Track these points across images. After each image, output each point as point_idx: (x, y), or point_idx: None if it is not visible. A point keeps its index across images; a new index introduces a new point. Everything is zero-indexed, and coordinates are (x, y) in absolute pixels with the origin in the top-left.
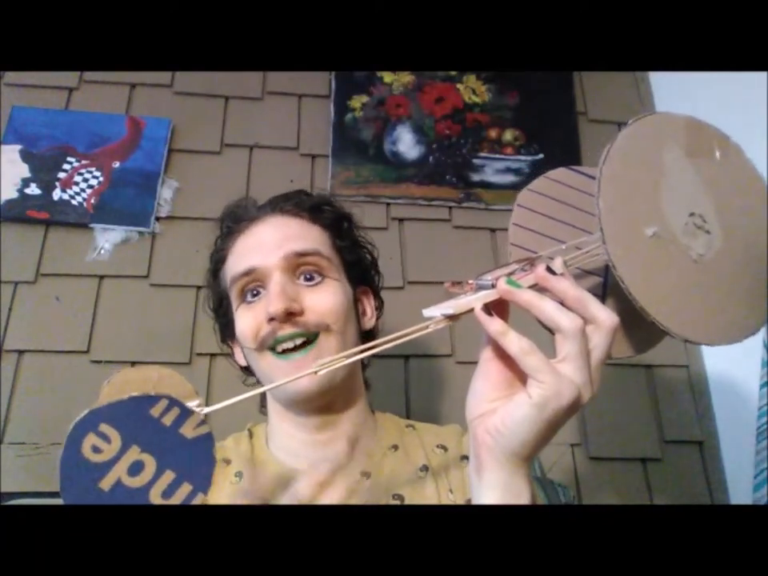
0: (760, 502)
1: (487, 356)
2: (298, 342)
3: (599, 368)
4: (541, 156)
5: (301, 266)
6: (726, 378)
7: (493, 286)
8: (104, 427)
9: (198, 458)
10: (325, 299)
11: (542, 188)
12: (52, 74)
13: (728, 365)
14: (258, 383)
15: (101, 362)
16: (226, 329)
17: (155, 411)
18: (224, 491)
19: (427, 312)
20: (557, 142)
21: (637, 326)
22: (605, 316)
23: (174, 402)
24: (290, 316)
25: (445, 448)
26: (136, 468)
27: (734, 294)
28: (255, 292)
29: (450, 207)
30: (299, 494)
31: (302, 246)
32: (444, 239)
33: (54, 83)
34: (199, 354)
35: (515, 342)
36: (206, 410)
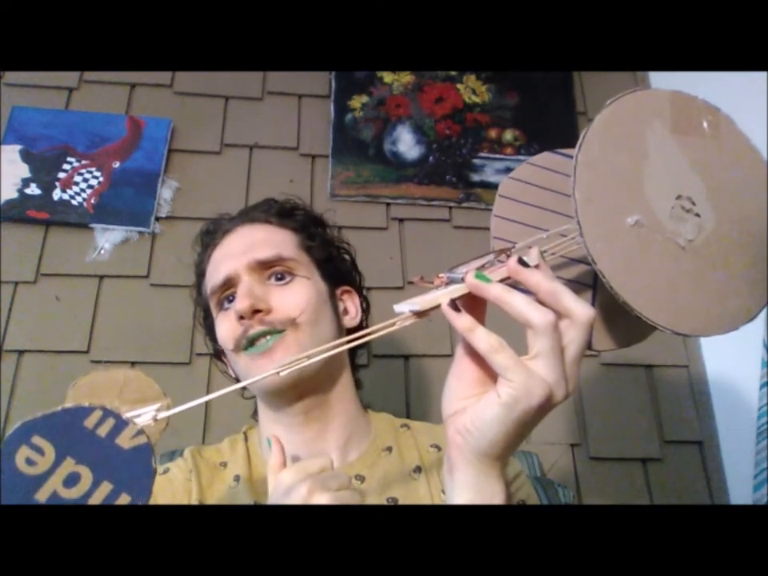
0: (760, 502)
1: (461, 353)
2: (269, 339)
3: (575, 364)
4: None
5: (269, 268)
6: (726, 378)
7: (462, 280)
8: (37, 439)
9: (135, 468)
10: (292, 296)
11: (525, 175)
12: (52, 73)
13: (728, 365)
14: (253, 397)
15: (101, 361)
16: (216, 342)
17: (89, 422)
18: (223, 494)
19: (397, 307)
20: (557, 142)
21: (625, 318)
22: (580, 309)
23: (108, 413)
24: (257, 313)
25: (438, 447)
26: (72, 480)
27: (729, 279)
28: (231, 298)
29: (450, 207)
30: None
31: (265, 254)
32: (444, 239)
33: (54, 83)
34: (199, 354)
35: (483, 339)
36: (162, 414)
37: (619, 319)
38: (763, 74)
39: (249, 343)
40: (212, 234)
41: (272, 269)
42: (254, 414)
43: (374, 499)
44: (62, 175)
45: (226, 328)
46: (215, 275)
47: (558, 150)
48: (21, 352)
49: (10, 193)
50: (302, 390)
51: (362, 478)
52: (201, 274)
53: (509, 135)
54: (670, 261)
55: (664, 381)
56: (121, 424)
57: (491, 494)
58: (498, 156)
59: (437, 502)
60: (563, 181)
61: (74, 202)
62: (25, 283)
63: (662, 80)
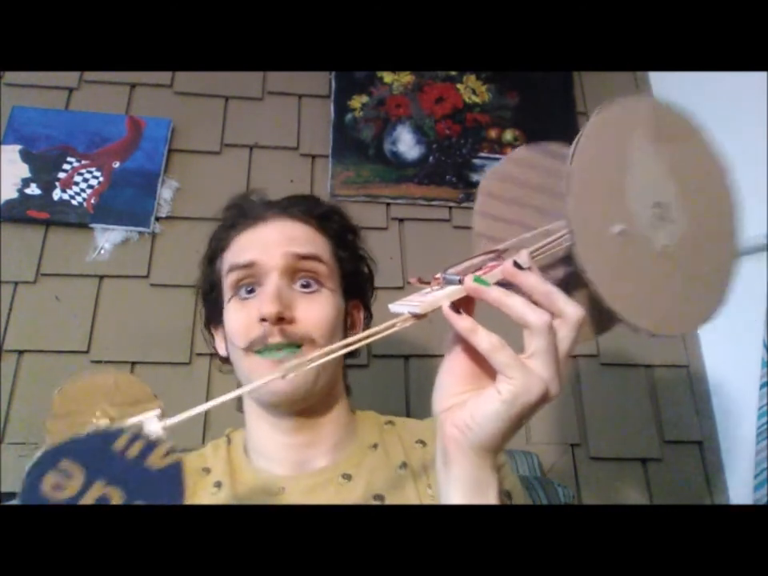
0: (760, 502)
1: (453, 351)
2: (285, 351)
3: (565, 360)
4: None
5: (299, 272)
6: (726, 378)
7: (460, 282)
8: (65, 463)
9: (167, 487)
10: (316, 311)
11: (505, 172)
12: (52, 73)
13: (728, 365)
14: (237, 383)
15: (101, 361)
16: (213, 315)
17: (118, 445)
18: (203, 501)
19: (393, 307)
20: (557, 142)
21: (597, 311)
22: (571, 310)
23: (137, 435)
24: (280, 321)
25: (423, 442)
26: (102, 502)
27: (698, 280)
28: (250, 289)
29: (450, 207)
30: (278, 502)
31: (304, 249)
32: (444, 239)
33: (54, 83)
34: (199, 354)
35: (485, 339)
36: (168, 422)
37: (591, 314)
38: (763, 73)
39: (264, 349)
40: (243, 216)
41: (303, 272)
42: (240, 408)
43: (360, 496)
44: (62, 175)
45: (241, 323)
46: (241, 254)
47: (536, 145)
48: (21, 352)
49: (10, 193)
50: (309, 403)
51: (348, 477)
52: (220, 249)
53: (509, 135)
54: (648, 266)
55: (664, 381)
56: (151, 444)
57: (486, 485)
58: (498, 156)
59: (422, 497)
60: (541, 175)
61: (73, 202)
62: (25, 283)
63: (662, 80)
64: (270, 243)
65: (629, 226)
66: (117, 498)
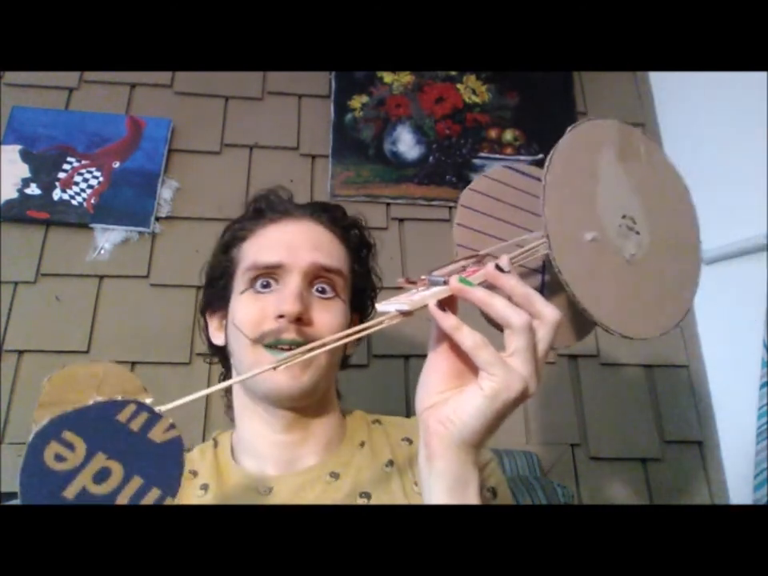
0: (760, 502)
1: (436, 350)
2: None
3: (543, 360)
4: (540, 156)
5: (319, 278)
6: (726, 378)
7: (445, 283)
8: (67, 435)
9: (166, 462)
10: (330, 318)
11: (483, 187)
12: (52, 73)
13: (728, 365)
14: (226, 376)
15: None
16: (214, 302)
17: (122, 417)
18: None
19: (381, 307)
20: (556, 141)
21: (573, 318)
22: (549, 312)
23: (142, 407)
24: (298, 321)
25: (410, 440)
26: (102, 475)
27: (662, 288)
28: (266, 283)
29: (450, 207)
30: (266, 502)
31: (329, 262)
32: (444, 239)
33: (54, 83)
34: (199, 354)
35: (469, 337)
36: (163, 408)
37: (569, 319)
38: (763, 73)
39: (275, 342)
40: (271, 209)
41: (320, 279)
42: (228, 409)
43: (347, 495)
44: (62, 175)
45: (254, 315)
46: (267, 253)
47: (512, 166)
48: (21, 352)
49: (10, 193)
50: (307, 402)
51: (336, 475)
52: (240, 238)
53: (509, 135)
54: (618, 273)
55: (664, 381)
56: (154, 418)
57: (466, 480)
58: (497, 156)
59: (409, 494)
60: (516, 194)
61: (74, 202)
62: (25, 283)
63: (662, 80)
64: (298, 246)
65: (600, 234)
66: (117, 471)
